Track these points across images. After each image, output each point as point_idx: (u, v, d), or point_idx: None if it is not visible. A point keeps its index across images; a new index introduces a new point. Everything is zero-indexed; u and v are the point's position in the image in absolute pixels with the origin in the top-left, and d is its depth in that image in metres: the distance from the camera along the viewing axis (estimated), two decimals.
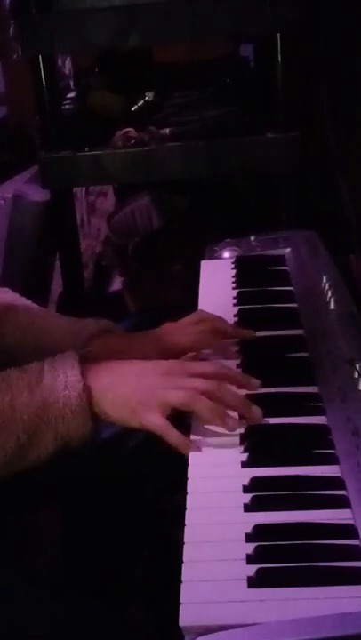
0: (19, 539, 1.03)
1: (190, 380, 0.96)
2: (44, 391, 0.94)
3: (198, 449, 0.93)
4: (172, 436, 0.94)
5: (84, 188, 2.55)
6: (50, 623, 0.91)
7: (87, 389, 0.95)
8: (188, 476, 0.89)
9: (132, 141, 1.84)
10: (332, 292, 1.20)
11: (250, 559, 0.76)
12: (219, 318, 1.18)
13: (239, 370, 1.06)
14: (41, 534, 1.13)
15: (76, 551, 1.24)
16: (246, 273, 1.38)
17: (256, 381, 1.01)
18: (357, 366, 0.99)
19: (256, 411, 0.96)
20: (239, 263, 1.42)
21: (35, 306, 1.25)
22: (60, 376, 0.95)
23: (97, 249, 2.60)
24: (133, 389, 0.96)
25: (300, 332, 1.18)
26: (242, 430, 0.95)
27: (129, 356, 1.09)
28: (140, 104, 1.97)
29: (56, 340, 1.16)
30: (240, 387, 1.00)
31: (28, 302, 1.25)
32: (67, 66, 2.49)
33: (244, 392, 1.00)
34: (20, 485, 1.12)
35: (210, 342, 1.15)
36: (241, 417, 0.96)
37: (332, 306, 1.18)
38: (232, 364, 1.11)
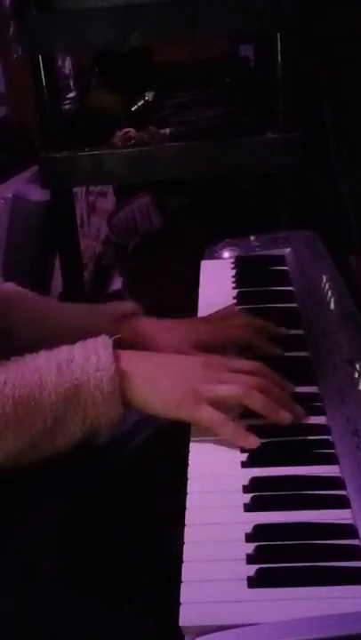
0: (19, 536, 1.03)
1: (235, 375, 0.94)
2: (74, 372, 0.89)
3: (257, 442, 0.90)
4: (229, 429, 0.91)
5: (84, 188, 2.56)
6: (50, 621, 0.91)
7: (121, 373, 0.90)
8: (188, 475, 0.89)
9: (132, 141, 1.84)
10: (332, 292, 1.20)
11: (250, 559, 0.76)
12: (250, 316, 1.17)
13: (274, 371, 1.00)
14: (41, 532, 1.12)
15: (76, 549, 1.24)
16: (246, 273, 1.38)
17: (291, 386, 0.99)
18: (357, 366, 0.99)
19: (299, 411, 0.95)
20: (239, 263, 1.42)
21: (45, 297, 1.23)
22: (92, 357, 0.90)
23: (97, 249, 2.60)
24: (178, 381, 0.92)
25: (300, 331, 1.18)
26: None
27: (157, 341, 1.08)
28: (140, 104, 1.96)
29: (80, 325, 1.12)
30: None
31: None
32: (67, 66, 2.49)
33: None
34: (21, 483, 1.12)
35: (246, 336, 1.13)
36: None
37: (332, 306, 1.18)
38: None
